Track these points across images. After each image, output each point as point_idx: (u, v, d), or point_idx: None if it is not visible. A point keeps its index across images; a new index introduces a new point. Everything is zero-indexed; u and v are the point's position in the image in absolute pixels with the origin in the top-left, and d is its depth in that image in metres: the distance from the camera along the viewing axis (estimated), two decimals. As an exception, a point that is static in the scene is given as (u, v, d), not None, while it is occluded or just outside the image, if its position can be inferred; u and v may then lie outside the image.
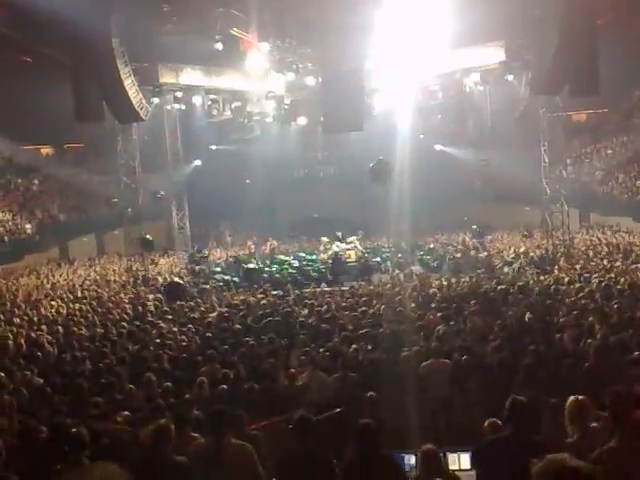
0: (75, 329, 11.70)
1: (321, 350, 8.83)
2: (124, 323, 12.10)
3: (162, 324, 11.94)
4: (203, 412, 5.94)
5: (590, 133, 33.47)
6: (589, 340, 7.82)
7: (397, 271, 21.28)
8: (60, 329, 11.72)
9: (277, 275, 22.09)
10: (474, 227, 25.76)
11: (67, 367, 8.60)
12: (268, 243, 28.41)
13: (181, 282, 18.94)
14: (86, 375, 8.05)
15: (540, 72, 18.03)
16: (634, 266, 15.17)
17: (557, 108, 20.71)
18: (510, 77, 20.81)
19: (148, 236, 21.53)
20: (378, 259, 24.12)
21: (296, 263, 23.79)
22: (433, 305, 12.33)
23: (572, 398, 4.81)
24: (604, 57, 16.64)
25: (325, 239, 25.57)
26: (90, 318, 13.14)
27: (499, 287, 13.99)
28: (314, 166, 35.07)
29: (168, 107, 24.22)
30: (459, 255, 23.00)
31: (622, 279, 13.08)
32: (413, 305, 12.73)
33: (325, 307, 13.05)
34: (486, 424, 5.11)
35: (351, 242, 24.73)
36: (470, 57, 20.89)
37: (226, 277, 21.73)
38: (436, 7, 17.37)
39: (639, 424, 3.87)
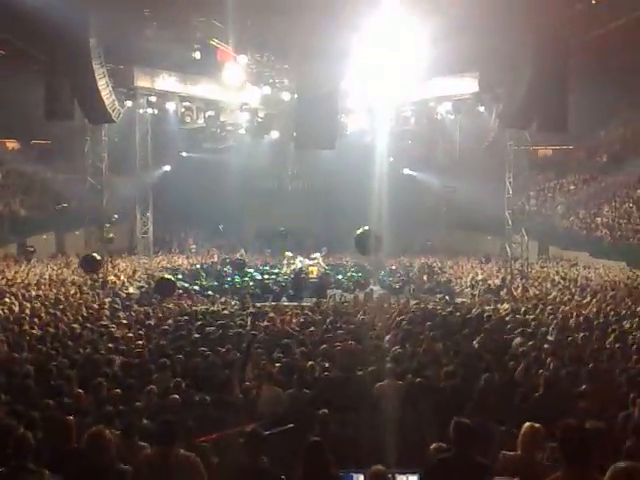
0: (27, 328, 11.41)
1: (277, 365, 8.79)
2: (77, 325, 11.86)
3: (115, 328, 11.75)
4: (152, 421, 5.85)
5: (555, 168, 34.31)
6: (540, 371, 7.97)
7: (357, 290, 21.40)
8: (11, 327, 11.43)
9: (239, 286, 22.01)
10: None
11: (16, 367, 8.36)
12: (237, 254, 28.30)
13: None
14: (34, 376, 7.82)
15: (510, 106, 18.47)
16: (588, 300, 15.52)
17: (524, 142, 21.22)
18: (481, 108, 21.31)
19: (95, 254, 20.04)
20: (340, 277, 24.22)
21: (258, 275, 23.72)
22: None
23: (528, 424, 4.90)
24: (572, 96, 17.15)
25: (289, 253, 25.58)
26: (43, 318, 12.83)
27: (457, 313, 14.19)
28: (283, 180, 35.14)
29: (141, 111, 23.97)
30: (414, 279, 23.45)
31: (576, 312, 13.40)
32: (372, 324, 12.78)
33: (283, 321, 13.02)
34: (431, 448, 5.15)
35: (314, 258, 24.84)
36: (444, 86, 21.36)
37: (186, 284, 21.48)
38: (414, 36, 17.71)
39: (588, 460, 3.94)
